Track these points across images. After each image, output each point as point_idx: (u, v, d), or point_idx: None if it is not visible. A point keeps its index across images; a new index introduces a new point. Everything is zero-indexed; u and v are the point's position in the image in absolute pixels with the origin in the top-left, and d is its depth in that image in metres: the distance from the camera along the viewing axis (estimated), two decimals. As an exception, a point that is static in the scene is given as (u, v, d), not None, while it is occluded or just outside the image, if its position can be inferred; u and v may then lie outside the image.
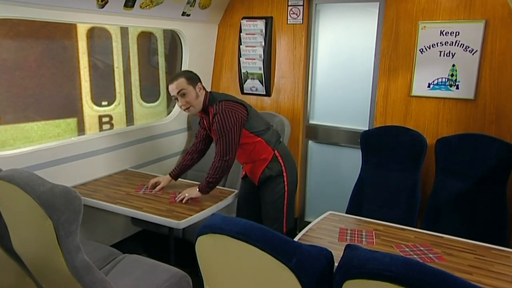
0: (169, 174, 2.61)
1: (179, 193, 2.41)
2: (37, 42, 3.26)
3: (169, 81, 2.37)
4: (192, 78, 2.36)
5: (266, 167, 2.45)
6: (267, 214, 2.51)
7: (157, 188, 2.55)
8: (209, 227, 1.31)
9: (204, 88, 2.41)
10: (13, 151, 2.42)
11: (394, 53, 2.94)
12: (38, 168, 2.41)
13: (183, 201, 2.37)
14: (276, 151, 2.46)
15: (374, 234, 2.06)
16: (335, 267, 1.18)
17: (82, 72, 3.55)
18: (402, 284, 0.96)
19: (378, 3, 2.99)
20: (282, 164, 2.46)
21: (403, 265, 0.99)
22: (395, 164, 2.83)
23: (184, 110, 2.38)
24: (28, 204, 1.44)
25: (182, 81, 2.32)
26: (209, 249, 1.35)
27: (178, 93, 2.32)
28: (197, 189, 2.39)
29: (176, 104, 2.54)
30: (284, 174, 2.46)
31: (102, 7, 2.57)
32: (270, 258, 1.18)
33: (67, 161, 2.62)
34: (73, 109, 3.58)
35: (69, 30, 3.42)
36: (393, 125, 2.96)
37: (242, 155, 2.47)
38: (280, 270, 1.17)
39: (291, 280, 1.16)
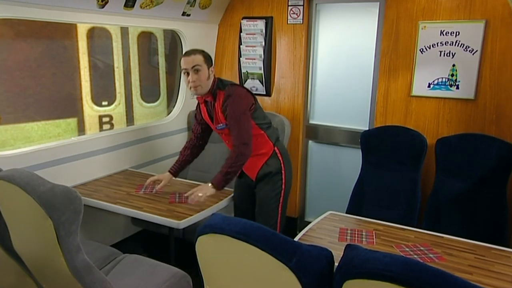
0: (169, 171, 2.56)
1: (190, 194, 2.24)
2: (37, 42, 3.26)
3: (185, 54, 2.30)
4: (208, 58, 2.33)
5: (265, 163, 2.42)
6: (261, 212, 2.47)
7: (158, 186, 2.51)
8: (210, 227, 1.31)
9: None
10: (13, 151, 2.42)
11: (394, 53, 2.94)
12: (38, 168, 2.41)
13: (201, 201, 2.25)
14: (276, 148, 2.44)
15: (374, 234, 2.06)
16: (335, 267, 1.18)
17: (82, 72, 3.55)
18: (402, 284, 0.96)
19: (378, 3, 2.99)
20: (281, 161, 2.43)
21: (403, 265, 0.99)
22: (395, 164, 2.83)
23: (191, 87, 2.30)
24: (28, 204, 1.44)
25: (199, 57, 2.28)
26: (209, 249, 1.35)
27: (192, 67, 2.25)
28: (210, 185, 2.24)
29: (183, 80, 2.45)
30: (283, 172, 2.43)
31: (102, 7, 2.57)
32: (270, 258, 1.18)
33: (67, 161, 2.62)
34: (73, 109, 3.59)
35: (69, 30, 3.42)
36: (393, 125, 2.95)
37: None
38: (280, 270, 1.17)
39: (291, 280, 1.16)
